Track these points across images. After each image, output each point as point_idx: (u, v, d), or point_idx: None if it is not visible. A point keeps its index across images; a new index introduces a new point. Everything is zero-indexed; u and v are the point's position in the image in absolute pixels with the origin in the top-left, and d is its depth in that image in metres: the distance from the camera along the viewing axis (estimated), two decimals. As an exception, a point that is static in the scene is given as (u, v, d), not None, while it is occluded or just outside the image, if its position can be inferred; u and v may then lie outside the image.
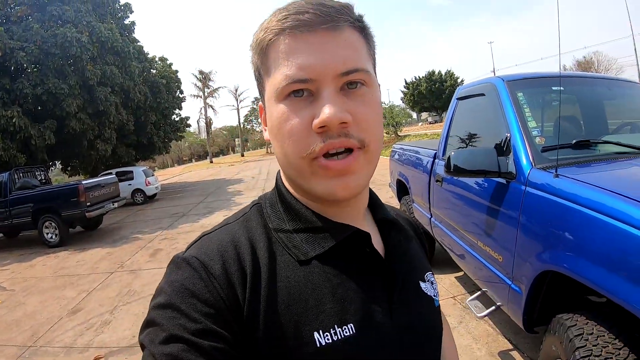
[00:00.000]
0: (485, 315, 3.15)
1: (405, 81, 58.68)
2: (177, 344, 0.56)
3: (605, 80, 3.96)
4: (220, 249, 0.67)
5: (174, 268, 0.66)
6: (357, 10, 0.70)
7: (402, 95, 59.40)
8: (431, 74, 55.68)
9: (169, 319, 0.58)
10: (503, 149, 2.83)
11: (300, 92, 0.64)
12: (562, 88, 3.16)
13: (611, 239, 1.80)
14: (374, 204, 0.85)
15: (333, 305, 0.66)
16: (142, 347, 0.59)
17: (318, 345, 0.62)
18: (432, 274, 0.89)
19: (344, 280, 0.69)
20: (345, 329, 0.64)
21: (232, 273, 0.64)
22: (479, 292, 3.40)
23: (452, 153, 2.79)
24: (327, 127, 0.62)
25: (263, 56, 0.68)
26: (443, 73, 55.57)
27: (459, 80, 55.10)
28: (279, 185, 0.79)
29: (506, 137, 2.84)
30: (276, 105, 0.66)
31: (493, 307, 3.08)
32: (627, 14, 44.32)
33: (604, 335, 1.87)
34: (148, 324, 0.60)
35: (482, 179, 3.03)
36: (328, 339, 0.62)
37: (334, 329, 0.64)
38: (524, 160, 2.61)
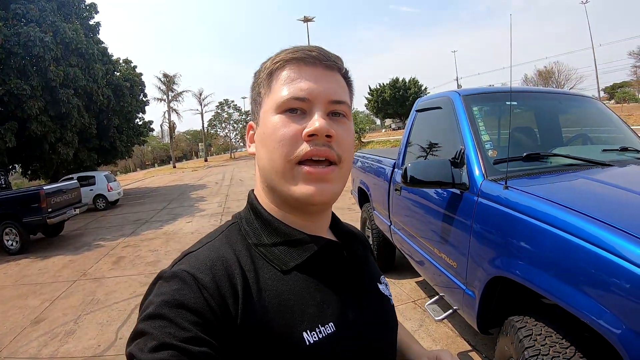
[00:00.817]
0: (442, 319, 3.26)
1: (370, 88, 58.85)
2: (167, 351, 0.58)
3: (560, 94, 4.15)
4: (209, 264, 0.71)
5: (162, 282, 0.69)
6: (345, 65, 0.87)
7: (366, 102, 59.66)
8: (395, 81, 55.98)
9: (158, 328, 0.60)
10: (458, 161, 2.95)
11: (295, 110, 0.77)
12: (515, 102, 3.34)
13: (555, 247, 1.94)
14: (333, 219, 0.95)
15: (315, 308, 0.74)
16: (130, 358, 0.61)
17: (307, 343, 0.69)
18: (384, 277, 1.01)
19: (321, 285, 0.78)
20: (327, 327, 0.73)
21: (222, 285, 0.68)
22: (437, 297, 3.52)
23: (409, 165, 2.88)
24: (316, 135, 0.74)
25: (269, 78, 0.81)
26: (407, 80, 55.93)
27: (422, 88, 55.69)
28: (253, 204, 0.86)
29: (460, 150, 2.97)
30: (272, 117, 0.78)
31: (450, 311, 3.20)
32: (587, 26, 46.11)
33: (551, 336, 1.98)
34: (136, 335, 0.62)
35: (438, 189, 3.15)
36: (315, 337, 0.70)
37: (318, 328, 0.72)
38: (476, 172, 2.74)
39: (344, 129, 0.80)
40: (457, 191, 2.86)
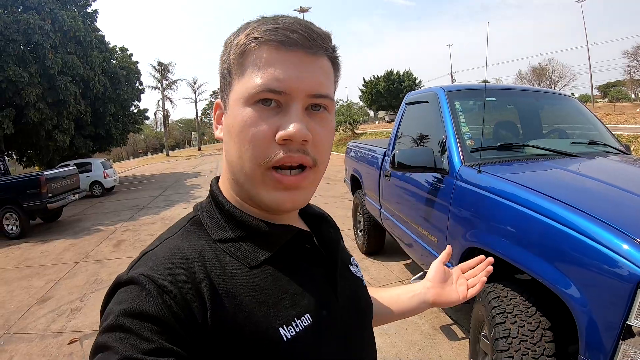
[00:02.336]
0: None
1: (364, 79, 58.49)
2: None
3: (538, 92, 4.50)
4: (169, 264, 0.64)
5: (121, 289, 0.63)
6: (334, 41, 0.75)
7: (361, 94, 59.51)
8: (389, 73, 55.68)
9: (119, 340, 0.55)
10: (440, 149, 3.31)
11: (268, 102, 0.67)
12: (494, 99, 3.68)
13: (517, 220, 2.32)
14: None
15: (288, 301, 0.70)
16: None
17: (285, 339, 0.66)
18: (354, 258, 1.00)
19: (293, 277, 0.73)
20: (303, 319, 0.69)
21: (185, 287, 0.62)
22: (420, 273, 3.86)
23: (397, 152, 3.22)
24: (291, 141, 0.66)
25: (241, 56, 0.69)
26: (401, 73, 55.71)
27: (417, 81, 55.58)
28: (215, 194, 0.78)
29: (443, 139, 3.32)
30: (242, 108, 0.68)
31: (432, 284, 3.56)
32: (583, 24, 46.46)
33: (516, 298, 2.33)
34: (98, 348, 0.57)
35: (422, 174, 3.47)
36: (292, 332, 0.67)
37: (294, 321, 0.68)
38: (456, 159, 3.09)
39: (322, 126, 0.72)
40: (439, 175, 3.20)
